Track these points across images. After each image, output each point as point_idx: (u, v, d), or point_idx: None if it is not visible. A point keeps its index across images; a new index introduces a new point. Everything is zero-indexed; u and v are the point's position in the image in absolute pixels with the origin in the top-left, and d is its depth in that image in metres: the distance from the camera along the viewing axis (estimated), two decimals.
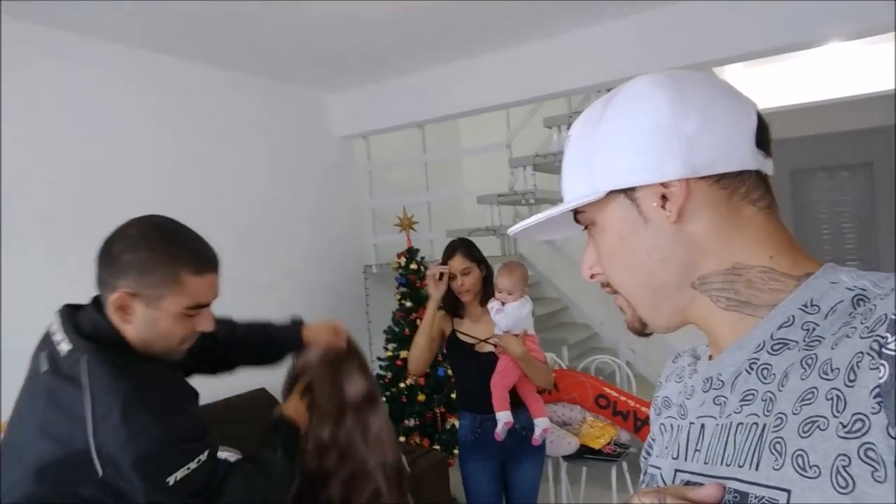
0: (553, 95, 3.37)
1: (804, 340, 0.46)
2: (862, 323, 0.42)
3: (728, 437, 0.49)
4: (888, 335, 0.39)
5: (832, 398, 0.41)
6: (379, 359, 3.43)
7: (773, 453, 0.44)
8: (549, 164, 4.02)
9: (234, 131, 3.23)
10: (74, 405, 0.91)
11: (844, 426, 0.39)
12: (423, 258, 3.51)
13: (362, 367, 1.45)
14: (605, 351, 4.03)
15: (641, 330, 0.59)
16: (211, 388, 2.85)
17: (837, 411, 0.40)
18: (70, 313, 1.02)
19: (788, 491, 0.42)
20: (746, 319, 0.52)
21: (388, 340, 3.43)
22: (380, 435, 1.40)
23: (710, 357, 0.58)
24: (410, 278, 3.41)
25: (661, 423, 0.63)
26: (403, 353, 3.30)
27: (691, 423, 0.56)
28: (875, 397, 0.38)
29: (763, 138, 0.53)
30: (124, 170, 2.70)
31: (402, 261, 3.44)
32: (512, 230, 0.65)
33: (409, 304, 3.38)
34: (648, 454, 0.66)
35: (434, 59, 3.24)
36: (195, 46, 2.85)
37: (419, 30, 2.80)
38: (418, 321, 3.33)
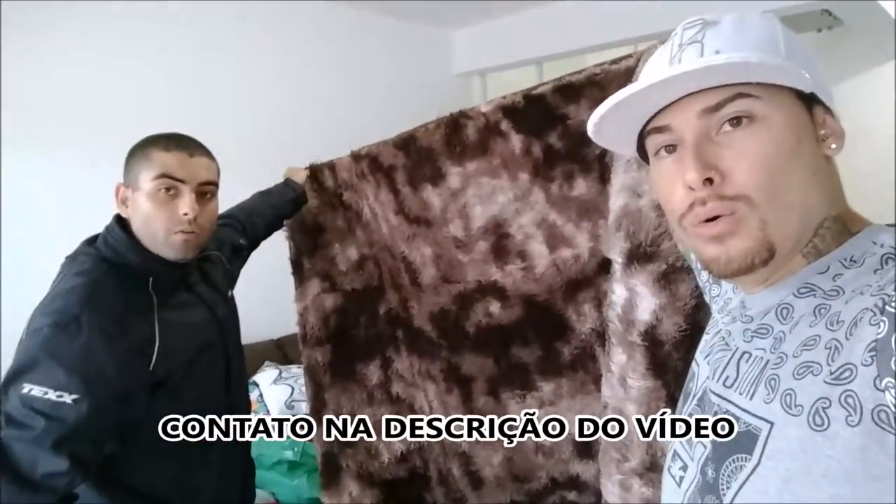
0: None
1: (827, 290, 0.48)
2: (877, 282, 0.44)
3: (739, 364, 0.53)
4: (894, 294, 0.40)
5: (830, 348, 0.43)
6: None
7: (767, 388, 0.47)
8: None
9: (353, 68, 3.30)
10: None
11: (832, 374, 0.42)
12: None
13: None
14: None
15: (767, 258, 0.50)
16: None
17: (832, 360, 0.43)
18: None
19: (772, 423, 0.45)
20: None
21: None
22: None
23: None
24: None
25: (716, 323, 0.64)
26: None
27: (727, 344, 0.58)
28: (870, 351, 0.40)
29: None
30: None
31: None
32: (606, 105, 0.52)
33: None
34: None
35: None
36: None
37: None
38: None
